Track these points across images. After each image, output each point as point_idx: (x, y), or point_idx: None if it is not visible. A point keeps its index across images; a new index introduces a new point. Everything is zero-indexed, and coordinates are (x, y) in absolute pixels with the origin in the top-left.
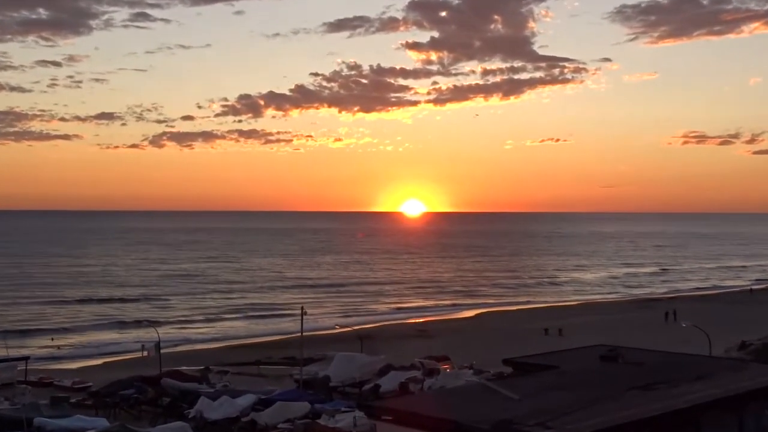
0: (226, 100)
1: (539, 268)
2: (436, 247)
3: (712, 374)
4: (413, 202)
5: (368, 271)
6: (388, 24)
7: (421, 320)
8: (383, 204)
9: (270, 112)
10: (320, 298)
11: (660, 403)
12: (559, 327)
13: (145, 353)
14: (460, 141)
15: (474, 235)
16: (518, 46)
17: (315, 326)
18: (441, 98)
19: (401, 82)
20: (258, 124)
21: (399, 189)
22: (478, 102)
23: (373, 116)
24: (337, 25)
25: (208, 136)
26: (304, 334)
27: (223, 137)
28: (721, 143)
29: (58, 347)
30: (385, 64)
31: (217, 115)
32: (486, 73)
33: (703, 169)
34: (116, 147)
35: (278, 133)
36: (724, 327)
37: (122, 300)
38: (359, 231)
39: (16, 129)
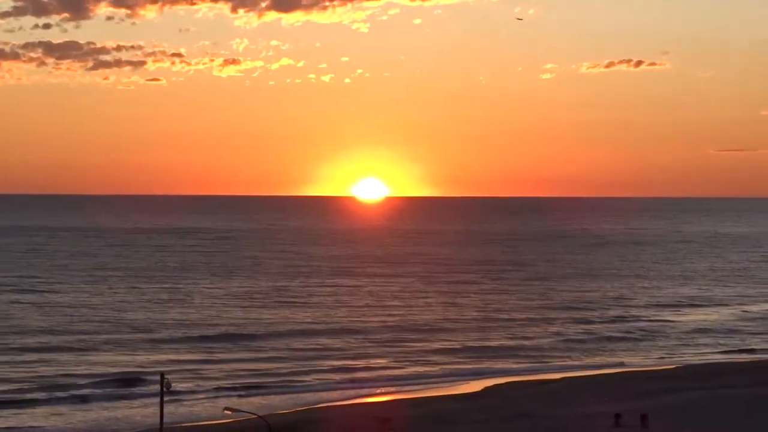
0: None
1: (595, 301)
2: (412, 261)
3: None
4: (370, 182)
5: (293, 309)
6: None
7: (386, 399)
8: (321, 184)
9: (104, 9)
10: (199, 360)
11: None
12: (642, 412)
13: None
14: (461, 66)
15: (476, 239)
16: None
17: (188, 414)
18: None
19: None
20: (81, 33)
21: (347, 158)
22: None
23: (295, 18)
24: None
25: None
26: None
27: (15, 57)
28: None
29: None
30: None
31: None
32: None
33: None
34: None
35: (119, 49)
36: None
37: None
38: (277, 231)
39: None
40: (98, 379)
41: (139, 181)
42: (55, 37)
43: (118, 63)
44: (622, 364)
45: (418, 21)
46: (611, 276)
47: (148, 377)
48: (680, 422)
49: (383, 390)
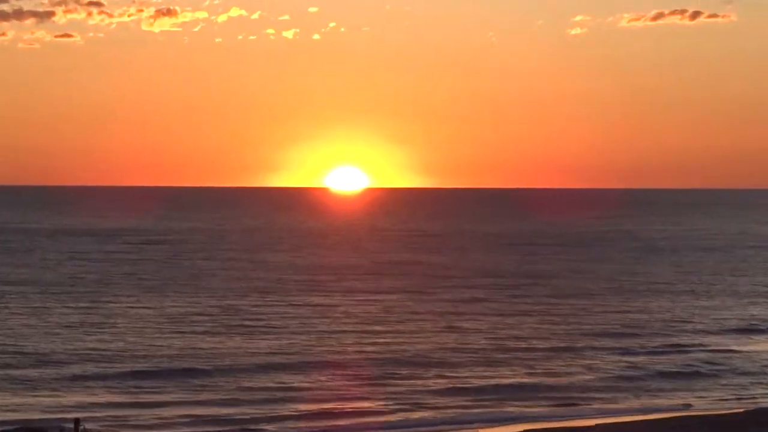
0: None
1: (639, 325)
2: (400, 272)
3: None
4: (347, 170)
5: (246, 336)
6: None
7: None
8: (285, 172)
9: None
10: (124, 403)
11: None
12: None
13: None
14: (465, 20)
15: (481, 243)
16: None
17: None
18: None
19: None
20: None
21: (318, 139)
22: None
23: None
24: None
25: None
26: None
27: None
28: None
29: None
30: None
31: None
32: None
33: None
34: None
35: None
36: None
37: None
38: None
39: None
40: None
41: (45, 168)
42: None
43: (19, 14)
44: (675, 408)
45: None
46: (660, 292)
47: (58, 425)
48: None
49: None
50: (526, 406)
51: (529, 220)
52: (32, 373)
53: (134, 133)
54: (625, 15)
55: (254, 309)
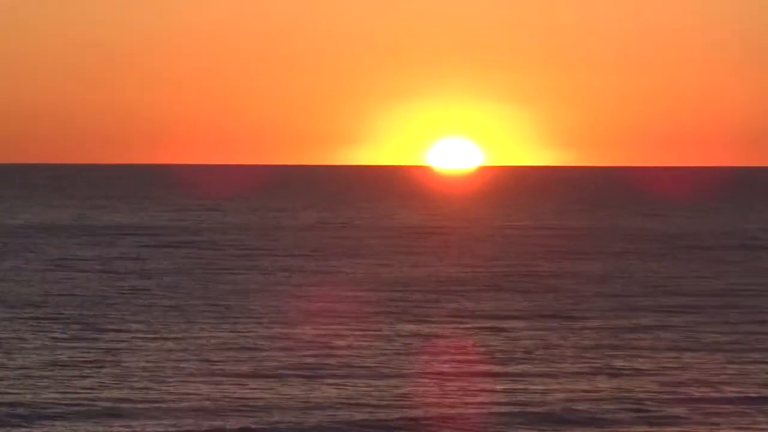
0: None
1: None
2: (538, 288)
3: None
4: (455, 143)
5: (315, 388)
6: None
7: None
8: (372, 146)
9: None
10: None
11: None
12: None
13: None
14: None
15: (653, 246)
16: None
17: None
18: None
19: None
20: None
21: (415, 105)
22: None
23: None
24: None
25: None
26: None
27: None
28: None
29: None
30: None
31: None
32: None
33: None
34: None
35: None
36: None
37: None
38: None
39: None
40: None
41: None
42: None
43: None
44: None
45: None
46: None
47: None
48: None
49: None
50: None
51: (721, 213)
52: None
53: (148, 90)
54: None
55: (320, 341)
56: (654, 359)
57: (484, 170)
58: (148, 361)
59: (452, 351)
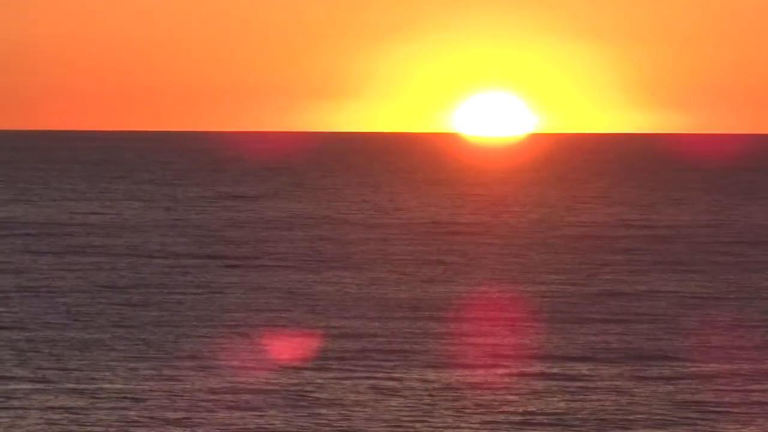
0: None
1: None
2: (637, 315)
3: None
4: (494, 100)
5: None
6: None
7: None
8: (364, 102)
9: None
10: None
11: None
12: None
13: None
14: None
15: None
16: None
17: None
18: None
19: None
20: None
21: (430, 35)
22: None
23: None
24: None
25: None
26: None
27: None
28: None
29: None
30: None
31: None
32: None
33: None
34: None
35: None
36: None
37: None
38: None
39: None
40: None
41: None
42: None
43: None
44: None
45: None
46: None
47: None
48: None
49: None
50: None
51: None
52: None
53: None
54: None
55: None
56: None
57: (539, 139)
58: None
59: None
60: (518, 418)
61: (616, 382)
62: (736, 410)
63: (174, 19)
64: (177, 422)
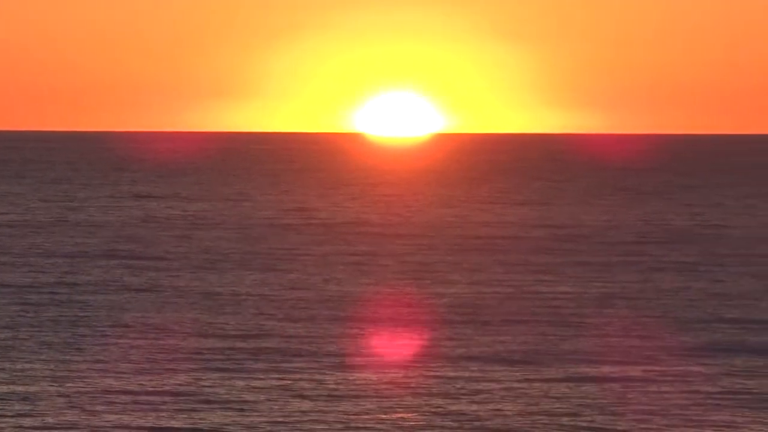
0: None
1: None
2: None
3: None
4: (400, 99)
5: None
6: None
7: None
8: (259, 101)
9: None
10: None
11: None
12: None
13: None
14: None
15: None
16: None
17: None
18: None
19: None
20: None
21: (327, 29)
22: None
23: None
24: None
25: None
26: None
27: None
28: None
29: None
30: None
31: None
32: None
33: None
34: None
35: None
36: None
37: None
38: None
39: None
40: None
41: None
42: None
43: None
44: None
45: None
46: None
47: None
48: None
49: None
50: None
51: None
52: None
53: None
54: None
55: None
56: None
57: (445, 139)
58: None
59: None
60: (418, 420)
61: (514, 384)
62: (634, 411)
63: (71, 16)
64: (72, 424)
